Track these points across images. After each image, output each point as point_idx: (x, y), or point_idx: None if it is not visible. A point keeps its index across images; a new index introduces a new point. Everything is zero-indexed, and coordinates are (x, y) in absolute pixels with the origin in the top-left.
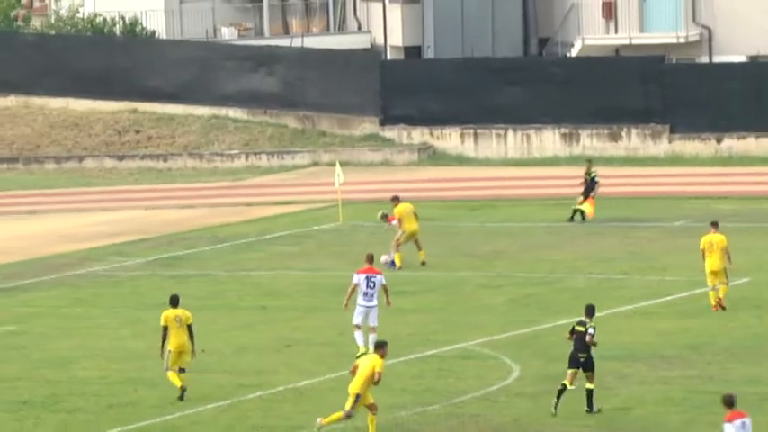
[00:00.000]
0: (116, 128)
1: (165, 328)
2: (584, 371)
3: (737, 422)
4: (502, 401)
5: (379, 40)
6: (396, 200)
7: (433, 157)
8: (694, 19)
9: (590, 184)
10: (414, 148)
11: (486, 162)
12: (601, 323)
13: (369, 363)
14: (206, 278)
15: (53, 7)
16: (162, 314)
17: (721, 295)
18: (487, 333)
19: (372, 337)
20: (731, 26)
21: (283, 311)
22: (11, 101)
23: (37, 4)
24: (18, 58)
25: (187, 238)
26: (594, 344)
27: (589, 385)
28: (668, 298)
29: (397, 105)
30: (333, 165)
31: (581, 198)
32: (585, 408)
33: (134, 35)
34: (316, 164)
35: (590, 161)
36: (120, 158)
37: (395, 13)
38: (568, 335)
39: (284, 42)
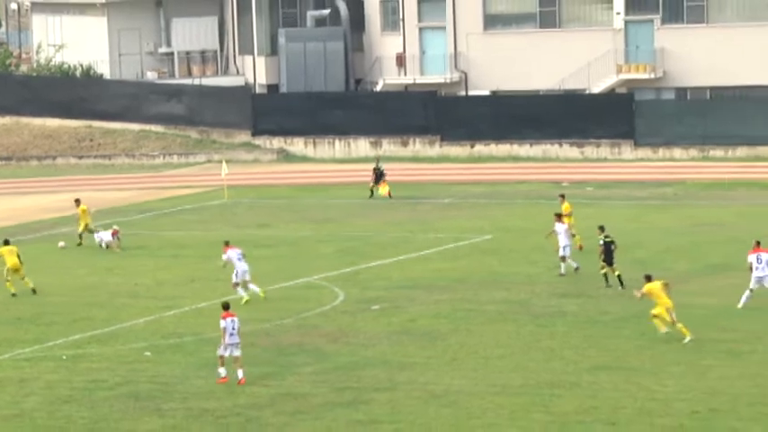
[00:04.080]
0: (77, 137)
1: (1, 255)
2: None
3: (228, 320)
4: (332, 316)
5: (251, 80)
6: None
7: (286, 157)
8: (456, 66)
9: (380, 175)
10: (274, 151)
11: (322, 160)
12: (396, 265)
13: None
14: (137, 236)
15: (35, 57)
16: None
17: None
18: (322, 271)
19: (252, 286)
20: (479, 71)
21: (188, 258)
22: (6, 120)
23: (24, 56)
24: (11, 91)
25: (124, 210)
26: None
27: None
28: (439, 248)
29: (263, 123)
30: (220, 162)
31: (375, 184)
32: None
33: (89, 76)
34: (209, 161)
35: (378, 159)
36: (80, 158)
37: (261, 63)
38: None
39: (188, 81)
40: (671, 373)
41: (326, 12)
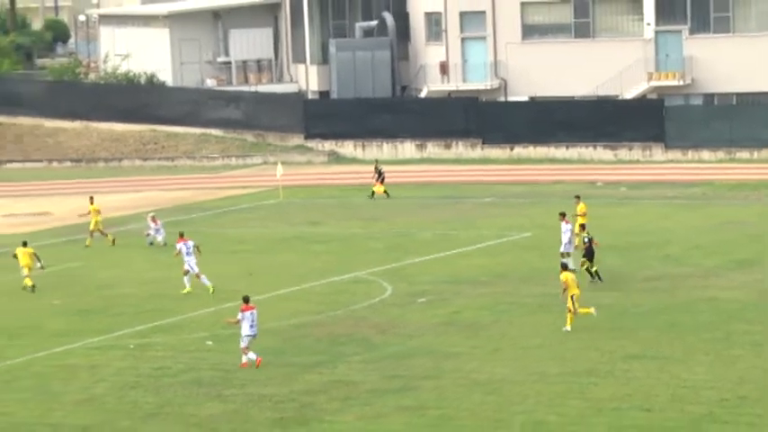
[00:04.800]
0: (142, 141)
1: (15, 255)
2: None
3: (247, 313)
4: (380, 309)
5: (303, 87)
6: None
7: (337, 159)
8: (496, 74)
9: (381, 176)
10: (325, 153)
11: (370, 162)
12: (440, 260)
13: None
14: (197, 233)
15: (102, 66)
16: (17, 249)
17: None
18: (371, 266)
19: (204, 278)
20: (518, 78)
21: (245, 253)
22: (77, 124)
23: (92, 65)
24: (81, 98)
25: (186, 209)
26: None
27: None
28: (482, 245)
29: (315, 126)
30: (275, 163)
31: (377, 185)
32: None
33: (152, 84)
34: (265, 163)
35: (377, 161)
36: (145, 160)
37: (313, 71)
38: None
39: (245, 88)
40: (701, 362)
41: (374, 23)
